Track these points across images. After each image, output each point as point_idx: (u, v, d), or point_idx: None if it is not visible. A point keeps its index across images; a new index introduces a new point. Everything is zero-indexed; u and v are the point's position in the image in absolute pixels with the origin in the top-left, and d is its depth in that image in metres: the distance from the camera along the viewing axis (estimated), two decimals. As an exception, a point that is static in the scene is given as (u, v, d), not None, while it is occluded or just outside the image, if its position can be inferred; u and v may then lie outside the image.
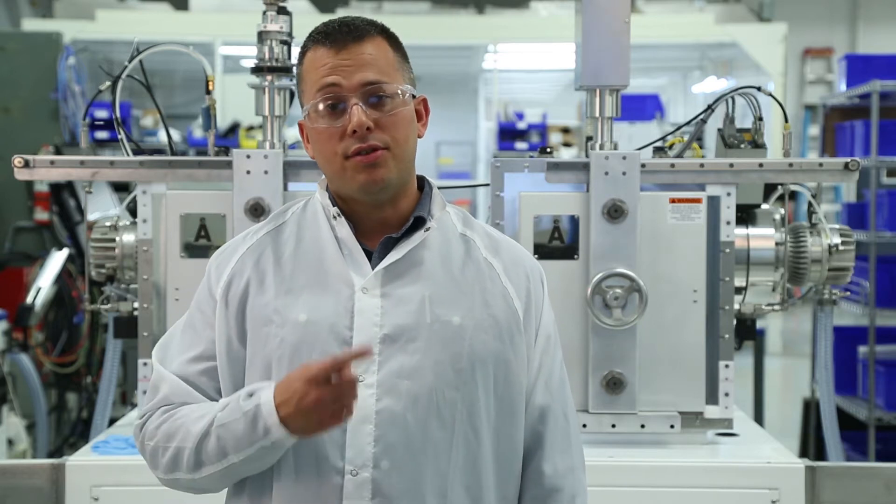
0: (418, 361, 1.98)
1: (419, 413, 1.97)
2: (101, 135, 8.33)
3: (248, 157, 3.39)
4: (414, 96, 2.06)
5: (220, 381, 2.05)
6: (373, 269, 2.02)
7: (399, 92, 2.02)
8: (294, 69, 3.44)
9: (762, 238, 3.54)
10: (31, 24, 11.32)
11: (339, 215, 2.04)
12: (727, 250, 3.40)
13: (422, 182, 2.12)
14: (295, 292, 2.02)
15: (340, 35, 2.01)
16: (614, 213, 3.32)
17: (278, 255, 2.06)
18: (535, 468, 2.11)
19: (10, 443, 5.83)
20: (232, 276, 2.06)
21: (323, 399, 1.85)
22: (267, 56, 3.46)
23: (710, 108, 3.57)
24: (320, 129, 2.01)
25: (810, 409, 6.78)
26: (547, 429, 2.11)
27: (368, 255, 2.04)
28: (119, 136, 3.60)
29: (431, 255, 2.05)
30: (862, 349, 6.62)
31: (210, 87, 3.64)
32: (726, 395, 3.41)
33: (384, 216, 2.05)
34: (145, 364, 3.45)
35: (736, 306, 3.45)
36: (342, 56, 2.00)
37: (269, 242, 2.08)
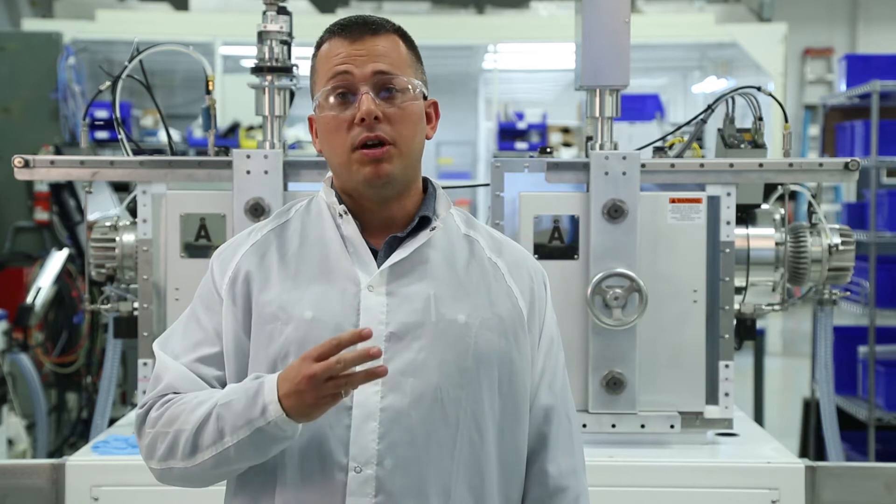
0: (423, 359, 1.98)
1: (423, 411, 1.97)
2: (101, 135, 8.33)
3: (248, 157, 3.39)
4: (425, 97, 2.08)
5: (225, 373, 2.05)
6: (378, 267, 2.02)
7: (410, 87, 2.03)
8: (294, 69, 3.48)
9: (762, 238, 3.54)
10: (31, 24, 11.32)
11: (345, 213, 2.05)
12: (727, 250, 3.40)
13: (426, 183, 2.13)
14: (300, 289, 2.02)
15: (357, 27, 2.03)
16: (614, 213, 3.32)
17: (283, 252, 2.06)
18: (539, 469, 2.11)
19: (10, 443, 5.83)
20: (237, 272, 2.06)
21: (316, 375, 1.83)
22: (267, 56, 3.46)
23: (710, 108, 3.57)
24: (328, 117, 2.02)
25: (810, 409, 6.78)
26: (551, 430, 2.11)
27: (373, 253, 2.04)
28: (119, 136, 3.60)
29: (436, 254, 2.05)
30: (862, 349, 6.62)
31: (210, 87, 3.64)
32: (726, 395, 3.41)
33: (390, 215, 2.06)
34: (145, 364, 3.45)
35: (736, 306, 3.45)
36: (356, 46, 2.02)
37: (274, 239, 2.09)
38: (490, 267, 2.09)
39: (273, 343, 2.00)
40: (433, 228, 2.06)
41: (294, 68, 3.48)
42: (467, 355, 2.00)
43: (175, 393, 2.03)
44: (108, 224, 3.57)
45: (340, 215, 2.05)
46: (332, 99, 2.02)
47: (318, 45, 2.07)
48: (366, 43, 2.02)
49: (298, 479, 1.97)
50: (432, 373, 1.98)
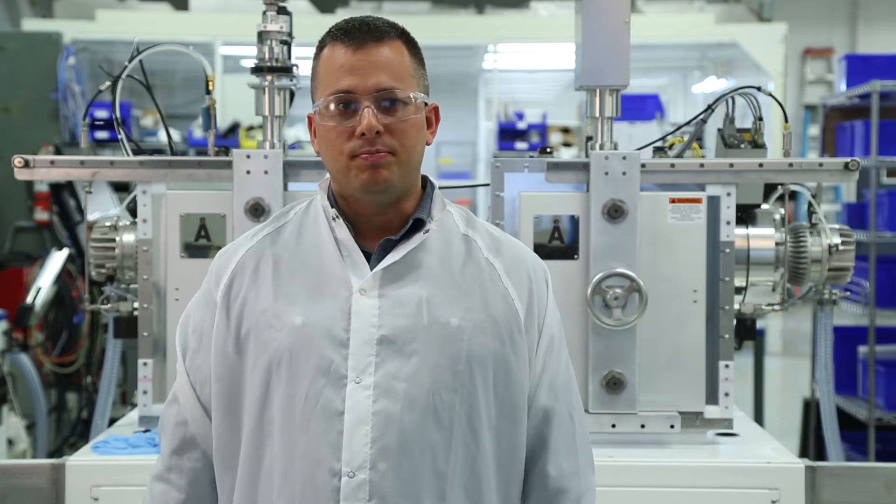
0: (415, 363, 1.97)
1: (416, 415, 1.96)
2: (101, 135, 8.34)
3: (248, 157, 3.39)
4: (426, 104, 2.06)
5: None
6: (371, 270, 2.01)
7: (412, 98, 2.01)
8: (294, 69, 3.48)
9: (762, 238, 3.54)
10: (31, 24, 11.32)
11: (337, 217, 2.04)
12: (727, 250, 3.40)
13: (424, 182, 2.11)
14: (292, 296, 2.01)
15: (360, 34, 2.01)
16: (614, 213, 3.32)
17: (277, 258, 2.06)
18: (539, 470, 2.10)
19: (10, 443, 5.83)
20: (231, 280, 2.06)
21: None
22: (267, 56, 3.45)
23: (710, 108, 3.57)
24: (329, 126, 2.01)
25: (810, 409, 6.78)
26: (551, 430, 2.10)
27: (368, 257, 2.03)
28: (119, 136, 3.60)
29: (430, 256, 2.04)
30: (862, 349, 6.62)
31: (210, 87, 3.64)
32: (726, 395, 3.41)
33: (385, 218, 2.05)
34: (145, 364, 3.45)
35: (736, 306, 3.45)
36: (359, 56, 1.99)
37: (269, 245, 2.08)
38: (486, 268, 2.07)
39: (267, 351, 1.99)
40: (426, 231, 2.04)
41: (294, 68, 3.48)
42: (460, 358, 1.99)
43: (191, 439, 2.08)
44: (108, 224, 3.57)
45: (333, 219, 2.04)
46: (332, 108, 2.00)
47: (320, 48, 2.05)
48: (369, 52, 1.99)
49: (291, 484, 1.97)
50: (424, 376, 1.97)
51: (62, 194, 7.07)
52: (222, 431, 2.05)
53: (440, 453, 1.98)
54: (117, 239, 3.53)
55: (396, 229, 2.05)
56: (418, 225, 2.05)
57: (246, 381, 2.02)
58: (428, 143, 2.08)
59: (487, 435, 2.02)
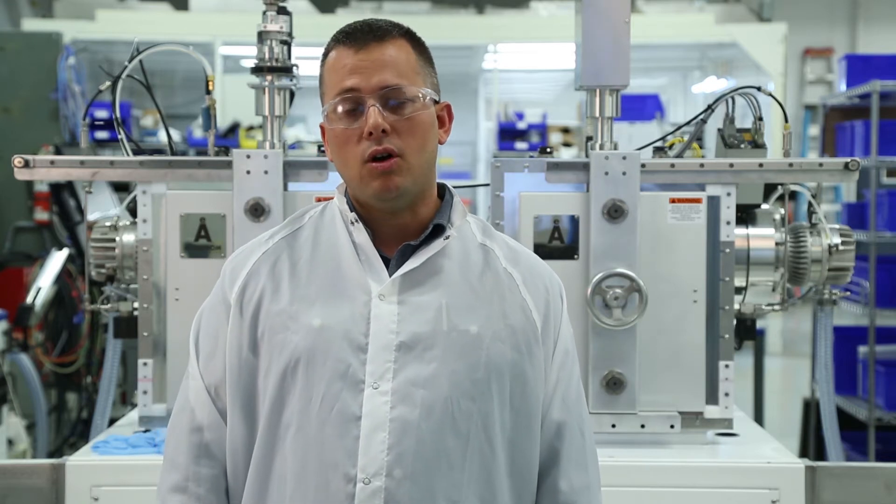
0: (434, 370, 1.95)
1: (433, 422, 1.94)
2: (101, 135, 8.35)
3: (248, 157, 3.39)
4: (436, 101, 2.04)
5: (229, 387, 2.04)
6: (390, 276, 1.99)
7: (419, 96, 1.99)
8: (294, 69, 3.48)
9: (762, 238, 3.54)
10: (31, 24, 11.33)
11: (356, 221, 2.02)
12: (727, 250, 3.40)
13: (443, 190, 2.10)
14: (310, 298, 1.99)
15: (362, 35, 1.99)
16: (614, 213, 3.32)
17: (294, 261, 2.04)
18: (550, 484, 2.08)
19: (10, 443, 5.83)
20: (247, 281, 2.04)
21: None
22: (267, 56, 3.46)
23: (710, 108, 3.57)
24: (337, 130, 1.99)
25: (810, 409, 6.78)
26: (563, 445, 2.09)
27: (386, 262, 2.01)
28: (119, 136, 3.60)
29: (450, 263, 2.02)
30: (862, 349, 6.63)
31: (210, 87, 3.64)
32: (726, 395, 3.41)
33: (403, 223, 2.03)
34: (145, 364, 3.46)
35: (736, 306, 3.45)
36: (362, 56, 1.98)
37: (285, 248, 2.06)
38: (505, 277, 2.06)
39: (283, 353, 1.97)
40: (447, 237, 2.02)
41: (294, 68, 3.48)
42: (479, 366, 1.97)
43: (207, 445, 2.05)
44: (108, 224, 3.57)
45: (352, 223, 2.02)
46: (340, 111, 1.99)
47: (325, 54, 2.03)
48: (372, 52, 1.98)
49: (304, 490, 1.95)
50: (443, 384, 1.95)
51: (62, 194, 7.07)
52: (238, 434, 2.03)
53: (456, 461, 1.96)
54: (117, 239, 3.53)
55: (413, 234, 2.03)
56: (437, 231, 2.03)
57: (260, 382, 2.00)
58: (441, 142, 2.06)
59: (502, 445, 2.00)
